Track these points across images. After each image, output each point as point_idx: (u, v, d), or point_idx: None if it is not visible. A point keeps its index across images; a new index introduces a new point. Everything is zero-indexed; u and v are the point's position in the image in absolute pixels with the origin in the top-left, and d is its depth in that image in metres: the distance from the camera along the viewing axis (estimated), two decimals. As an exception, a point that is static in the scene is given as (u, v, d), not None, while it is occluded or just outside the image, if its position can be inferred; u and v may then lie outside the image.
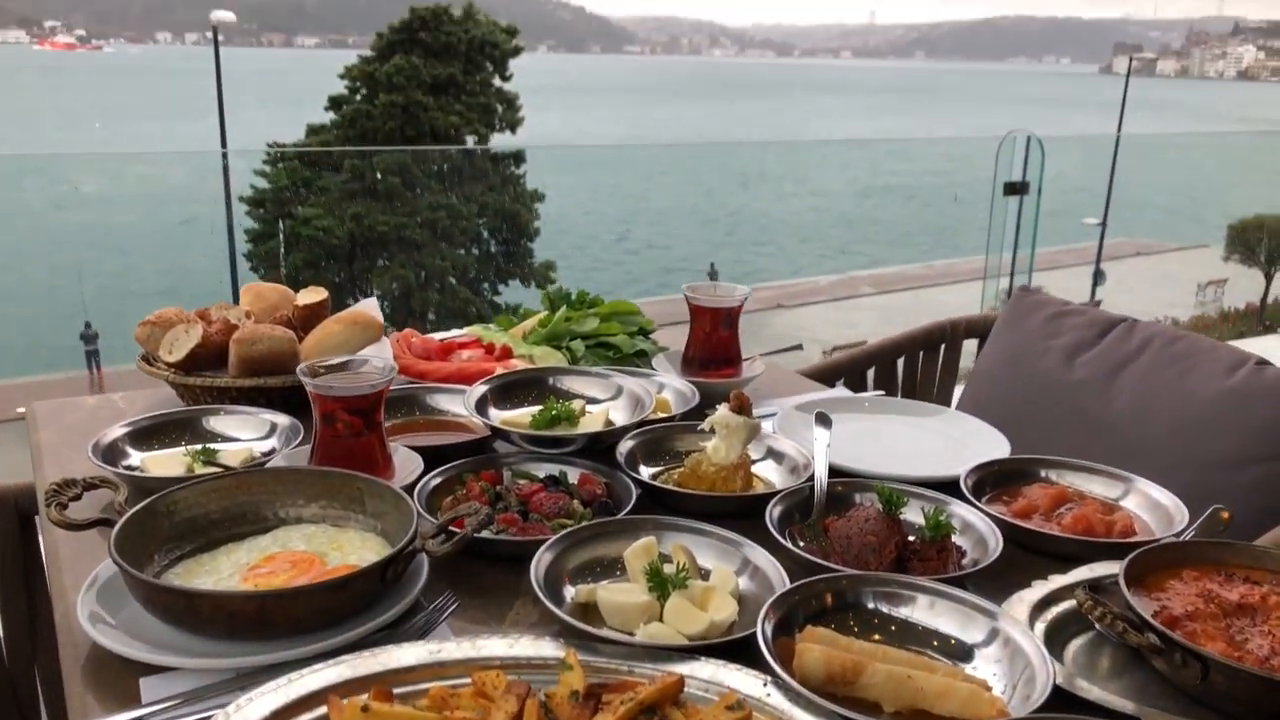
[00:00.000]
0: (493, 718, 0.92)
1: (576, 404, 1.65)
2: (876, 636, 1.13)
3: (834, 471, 1.49)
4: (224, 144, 16.21)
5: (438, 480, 1.44)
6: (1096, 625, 1.14)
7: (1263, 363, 1.81)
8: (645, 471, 1.55)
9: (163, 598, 1.08)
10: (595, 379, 1.78)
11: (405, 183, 20.25)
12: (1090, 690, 1.05)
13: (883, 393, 2.14)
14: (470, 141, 22.02)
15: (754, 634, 1.06)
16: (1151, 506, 1.47)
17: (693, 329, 1.98)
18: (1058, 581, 1.24)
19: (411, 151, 20.33)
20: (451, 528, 1.23)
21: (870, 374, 2.40)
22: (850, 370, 2.34)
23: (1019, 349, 2.11)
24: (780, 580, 1.19)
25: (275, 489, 1.33)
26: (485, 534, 1.28)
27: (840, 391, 2.02)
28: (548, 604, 1.13)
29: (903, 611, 1.16)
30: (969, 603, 1.15)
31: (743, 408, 1.51)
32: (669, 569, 1.18)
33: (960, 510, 1.40)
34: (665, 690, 0.98)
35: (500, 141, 22.77)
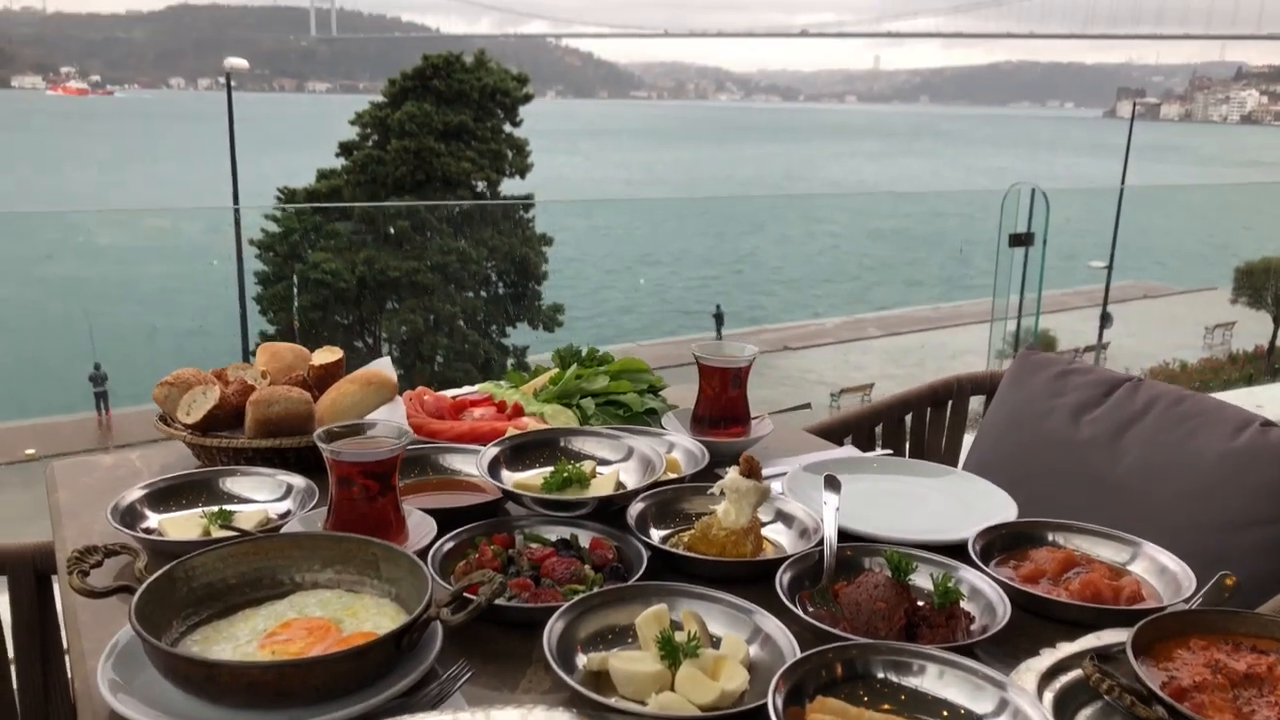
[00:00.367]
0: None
1: (588, 465, 1.67)
2: (886, 706, 1.14)
3: (843, 535, 1.51)
4: (236, 198, 16.34)
5: (451, 545, 1.46)
6: (1105, 697, 1.15)
7: (1268, 424, 1.82)
8: (656, 534, 1.57)
9: (182, 667, 1.10)
10: (606, 439, 1.80)
11: (414, 226, 20.44)
12: (1099, 763, 1.05)
13: (890, 452, 2.16)
14: (480, 186, 22.25)
15: (765, 704, 1.07)
16: (1159, 571, 1.48)
17: (702, 388, 2.00)
18: (1066, 649, 1.25)
19: (424, 204, 20.53)
20: (466, 594, 1.24)
21: (879, 430, 2.42)
22: (858, 427, 2.36)
23: (1024, 408, 2.12)
24: (790, 648, 1.20)
25: (292, 554, 1.35)
26: (498, 601, 1.30)
27: (848, 451, 2.04)
28: (560, 673, 1.14)
29: (912, 681, 1.17)
30: (978, 672, 1.16)
31: (752, 471, 1.53)
32: (680, 637, 1.19)
33: (968, 576, 1.41)
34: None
35: (510, 187, 23.00)
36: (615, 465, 1.74)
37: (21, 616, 1.81)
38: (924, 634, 1.29)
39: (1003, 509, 1.69)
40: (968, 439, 2.36)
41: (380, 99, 22.22)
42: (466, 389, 2.26)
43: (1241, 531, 1.72)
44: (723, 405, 1.98)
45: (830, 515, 1.52)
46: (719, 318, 29.56)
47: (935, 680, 1.17)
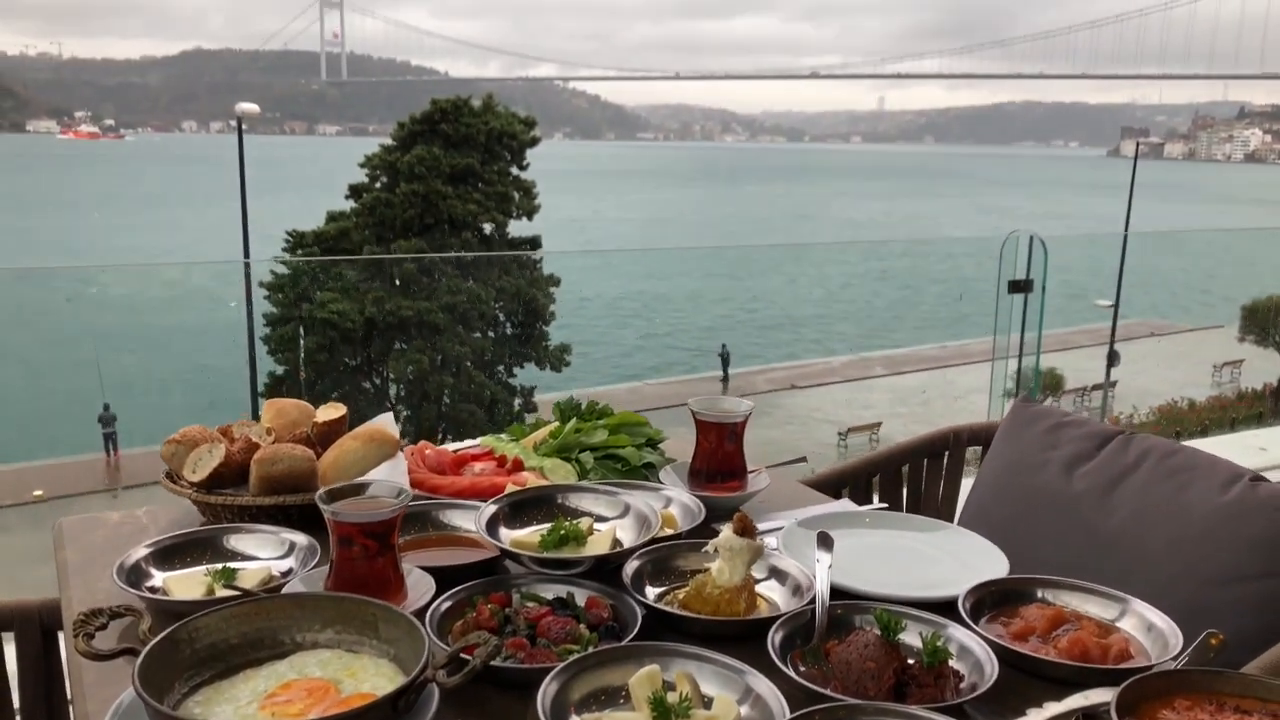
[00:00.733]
0: None
1: (584, 523, 1.70)
2: (874, 767, 1.16)
3: (836, 591, 1.53)
4: (246, 251, 16.41)
5: (449, 604, 1.49)
6: (1088, 758, 1.17)
7: (1257, 478, 1.85)
8: (652, 591, 1.59)
9: (184, 730, 1.13)
10: (603, 496, 1.83)
11: (422, 269, 20.59)
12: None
13: (886, 506, 2.18)
14: (488, 228, 22.43)
15: (753, 767, 1.09)
16: (1147, 628, 1.50)
17: (699, 442, 2.04)
18: (1051, 709, 1.27)
19: (434, 251, 20.71)
20: (462, 654, 1.27)
21: (876, 480, 2.44)
22: (855, 479, 2.39)
23: (1019, 460, 2.15)
24: (781, 709, 1.23)
25: (293, 614, 1.38)
26: (494, 662, 1.32)
27: (844, 505, 2.06)
28: (554, 735, 1.16)
29: (899, 742, 1.19)
30: (964, 734, 1.18)
31: (745, 530, 1.56)
32: (672, 697, 1.21)
33: (957, 634, 1.43)
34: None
35: (518, 228, 23.19)
36: (612, 522, 1.77)
37: (28, 671, 1.84)
38: (913, 693, 1.31)
39: (994, 565, 1.71)
40: (965, 489, 2.38)
41: (389, 142, 22.51)
42: (468, 442, 2.29)
43: (1230, 586, 1.74)
44: (719, 459, 2.02)
45: (823, 573, 1.54)
46: (725, 357, 29.62)
47: (922, 741, 1.19)
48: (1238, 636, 1.62)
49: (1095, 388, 26.74)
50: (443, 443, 2.29)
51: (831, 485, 2.32)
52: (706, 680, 1.31)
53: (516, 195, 22.21)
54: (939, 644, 1.34)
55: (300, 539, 1.70)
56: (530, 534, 1.71)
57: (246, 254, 16.44)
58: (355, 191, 22.27)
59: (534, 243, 23.39)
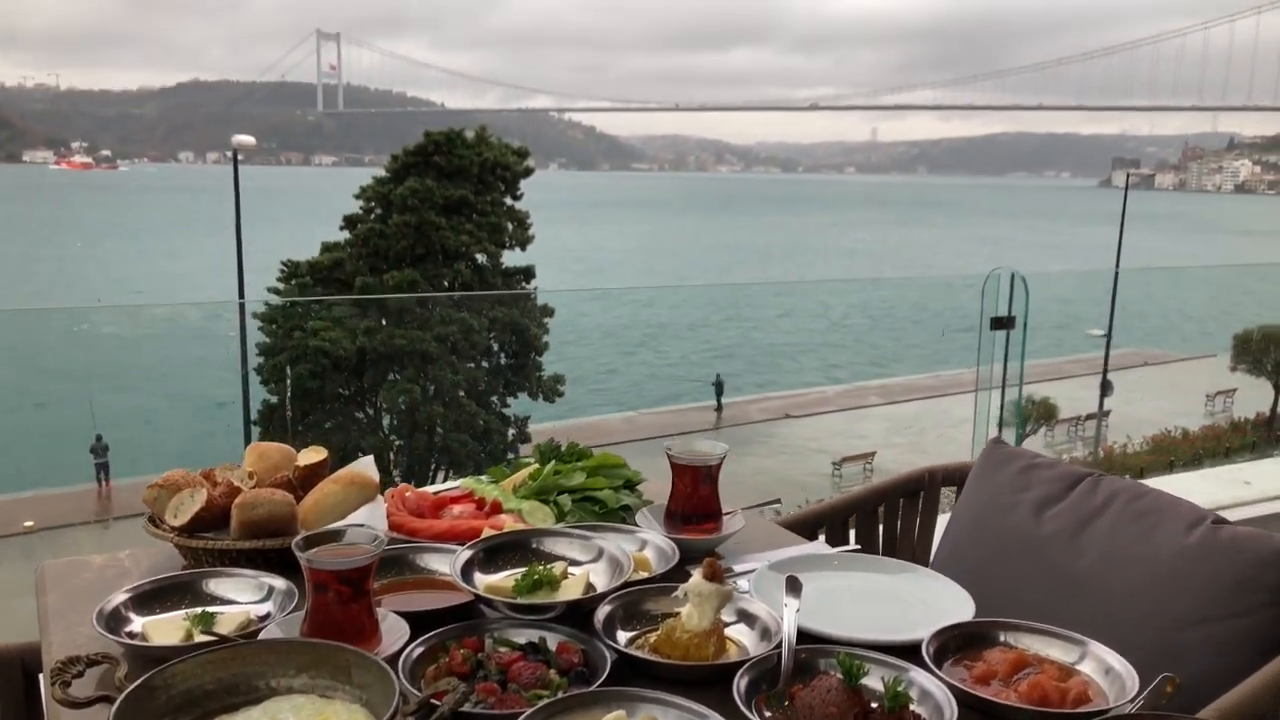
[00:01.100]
0: None
1: (558, 567, 1.73)
2: (831, 813, 1.19)
3: (803, 635, 1.56)
4: (241, 292, 16.42)
5: (422, 649, 1.52)
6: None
7: (1219, 521, 1.88)
8: (623, 635, 1.62)
9: (156, 778, 1.15)
10: (577, 540, 1.86)
11: (417, 301, 20.66)
12: None
13: (859, 548, 2.21)
14: (481, 258, 22.53)
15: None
16: (1104, 671, 1.53)
17: (675, 485, 2.07)
18: (1008, 754, 1.30)
19: (427, 281, 20.80)
20: (432, 700, 1.30)
21: (851, 520, 2.48)
22: (831, 519, 2.42)
23: (990, 502, 2.19)
24: (742, 754, 1.25)
25: (268, 659, 1.40)
26: (464, 708, 1.35)
27: (817, 547, 2.10)
28: (519, 781, 1.19)
29: (857, 788, 1.22)
30: (919, 779, 1.21)
31: (714, 575, 1.59)
32: (636, 744, 1.24)
33: (919, 678, 1.46)
34: None
35: (511, 259, 23.30)
36: (586, 566, 1.80)
37: (9, 716, 1.86)
38: (874, 738, 1.34)
39: (961, 607, 1.74)
40: (940, 530, 2.42)
41: (384, 173, 22.66)
42: (449, 484, 2.33)
43: (1193, 628, 1.77)
44: (695, 502, 2.05)
45: (790, 618, 1.57)
46: (719, 386, 29.66)
47: (879, 787, 1.22)
48: (1203, 677, 1.65)
49: (1089, 417, 26.81)
50: (435, 472, 2.32)
51: (807, 526, 2.35)
52: (672, 726, 1.34)
53: (510, 225, 22.33)
54: (900, 688, 1.37)
55: (279, 583, 1.72)
56: (505, 578, 1.74)
57: (241, 294, 16.48)
58: (350, 222, 22.39)
59: (528, 273, 23.50)
